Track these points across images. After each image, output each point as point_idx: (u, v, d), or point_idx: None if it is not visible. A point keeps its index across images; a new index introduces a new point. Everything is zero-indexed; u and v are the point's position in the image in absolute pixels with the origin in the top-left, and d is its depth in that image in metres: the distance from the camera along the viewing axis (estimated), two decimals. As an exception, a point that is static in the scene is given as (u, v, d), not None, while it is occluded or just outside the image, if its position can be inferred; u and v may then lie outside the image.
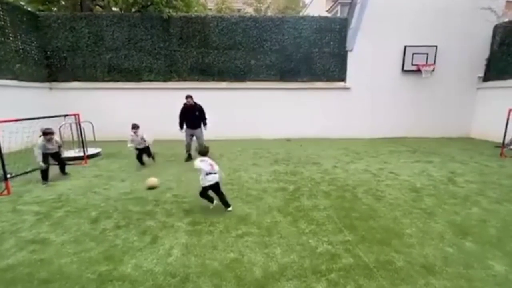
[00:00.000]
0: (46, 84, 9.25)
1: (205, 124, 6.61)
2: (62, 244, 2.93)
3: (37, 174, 5.06)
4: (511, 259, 2.66)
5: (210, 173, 3.59)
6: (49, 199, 4.15)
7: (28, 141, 7.18)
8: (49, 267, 2.53)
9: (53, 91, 9.37)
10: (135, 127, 5.88)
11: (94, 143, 7.25)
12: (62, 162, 5.43)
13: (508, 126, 6.65)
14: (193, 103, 6.33)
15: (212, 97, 9.64)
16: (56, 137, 5.21)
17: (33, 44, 8.75)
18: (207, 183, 3.61)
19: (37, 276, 2.42)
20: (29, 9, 9.65)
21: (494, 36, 9.45)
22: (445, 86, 9.81)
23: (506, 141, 6.97)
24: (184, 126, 6.48)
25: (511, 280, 2.37)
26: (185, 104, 6.34)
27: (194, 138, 6.57)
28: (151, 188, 4.60)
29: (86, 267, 2.54)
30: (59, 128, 6.46)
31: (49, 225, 3.35)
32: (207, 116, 6.63)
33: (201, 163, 3.59)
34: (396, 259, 2.65)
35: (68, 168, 5.55)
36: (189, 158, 6.44)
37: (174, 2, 10.35)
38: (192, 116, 6.35)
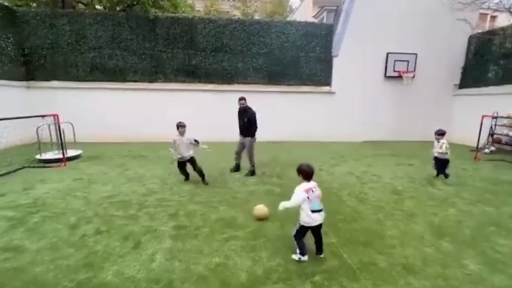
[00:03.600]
0: (24, 83, 8.82)
1: (252, 134, 5.54)
2: (37, 251, 2.78)
3: (12, 177, 4.80)
4: (483, 258, 2.80)
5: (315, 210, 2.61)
6: (24, 204, 3.93)
7: (2, 142, 6.83)
8: (23, 276, 2.39)
9: (31, 90, 8.94)
10: (182, 125, 4.75)
11: (74, 144, 6.97)
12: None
13: (482, 131, 7.04)
14: (244, 107, 5.49)
15: (198, 99, 9.58)
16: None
17: (9, 41, 8.32)
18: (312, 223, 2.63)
19: (10, 286, 2.28)
20: (6, 3, 9.19)
21: (469, 46, 10.03)
22: (424, 92, 10.26)
23: (480, 145, 7.36)
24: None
25: (485, 278, 2.49)
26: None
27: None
28: (260, 219, 3.55)
29: (63, 275, 2.42)
30: (37, 129, 6.17)
31: (24, 231, 3.17)
32: (257, 125, 5.60)
33: (301, 193, 2.61)
34: (378, 260, 2.72)
35: (46, 171, 5.29)
36: (237, 168, 5.77)
37: (161, 2, 10.21)
38: (241, 122, 5.58)
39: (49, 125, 6.36)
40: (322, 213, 2.66)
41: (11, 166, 5.73)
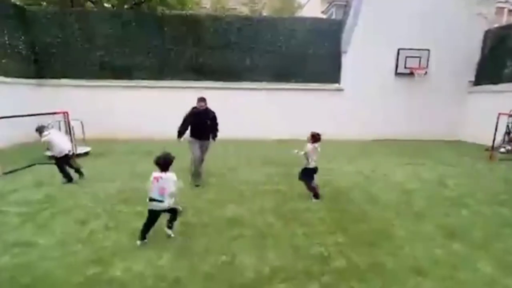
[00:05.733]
0: (34, 81, 8.99)
1: (215, 136, 5.14)
2: (47, 247, 2.83)
3: (23, 173, 4.91)
4: (496, 260, 2.70)
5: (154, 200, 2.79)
6: (35, 200, 4.01)
7: (13, 139, 7.01)
8: (34, 272, 2.44)
9: (41, 88, 9.11)
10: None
11: (84, 142, 7.08)
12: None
13: (497, 130, 6.80)
14: (205, 108, 4.93)
15: (205, 97, 9.56)
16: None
17: (20, 39, 8.49)
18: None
19: (20, 281, 2.33)
20: (17, 3, 9.37)
21: (484, 41, 9.65)
22: (437, 90, 9.96)
23: (495, 144, 7.12)
24: (186, 135, 4.97)
25: (497, 281, 2.41)
26: (194, 108, 4.90)
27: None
28: None
29: (72, 270, 2.46)
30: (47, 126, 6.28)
31: (34, 227, 3.23)
32: (218, 127, 5.20)
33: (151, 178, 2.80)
34: (387, 261, 2.66)
35: (56, 168, 5.36)
36: (199, 177, 4.96)
37: (169, 0, 10.24)
38: (203, 124, 4.94)
39: (59, 122, 6.47)
40: (159, 204, 2.78)
41: (22, 162, 5.85)
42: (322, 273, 2.48)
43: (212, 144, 5.16)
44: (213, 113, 5.03)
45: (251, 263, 2.61)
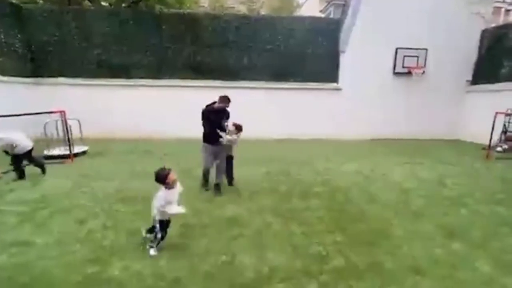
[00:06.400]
0: (31, 79, 8.91)
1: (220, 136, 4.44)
2: (45, 246, 2.81)
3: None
4: (495, 260, 2.72)
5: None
6: (32, 199, 3.98)
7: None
8: (31, 271, 2.42)
9: (38, 87, 9.02)
10: None
11: (81, 141, 7.04)
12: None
13: (494, 129, 6.84)
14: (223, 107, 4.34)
15: (203, 95, 9.51)
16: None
17: (16, 38, 8.39)
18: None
19: (18, 280, 2.31)
20: (13, 0, 9.28)
21: (482, 41, 9.70)
22: (435, 89, 9.99)
23: (492, 143, 7.16)
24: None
25: (495, 280, 2.43)
26: (208, 105, 4.36)
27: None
28: None
29: (71, 270, 2.45)
30: (44, 126, 6.25)
31: (32, 226, 3.21)
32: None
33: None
34: (385, 261, 2.67)
35: (53, 167, 5.34)
36: (207, 183, 4.62)
37: (167, -2, 10.21)
38: (216, 125, 4.30)
39: (56, 122, 6.43)
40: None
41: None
42: (320, 272, 2.48)
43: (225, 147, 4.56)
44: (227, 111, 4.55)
45: (250, 262, 2.61)
